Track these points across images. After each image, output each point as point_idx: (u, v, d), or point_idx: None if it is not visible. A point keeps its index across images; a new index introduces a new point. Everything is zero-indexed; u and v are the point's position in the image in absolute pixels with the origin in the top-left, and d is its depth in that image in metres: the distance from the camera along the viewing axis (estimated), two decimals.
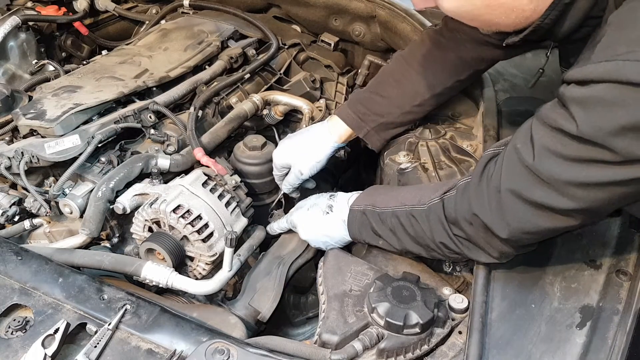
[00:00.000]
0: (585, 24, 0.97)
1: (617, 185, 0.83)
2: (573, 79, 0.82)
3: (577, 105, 0.80)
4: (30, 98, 1.58)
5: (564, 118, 0.83)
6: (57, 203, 1.33)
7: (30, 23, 2.00)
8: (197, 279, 1.29)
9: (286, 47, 2.03)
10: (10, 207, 1.35)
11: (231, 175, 1.39)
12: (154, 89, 1.67)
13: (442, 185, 1.11)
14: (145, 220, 1.27)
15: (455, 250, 1.07)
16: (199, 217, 1.24)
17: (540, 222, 0.93)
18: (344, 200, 1.27)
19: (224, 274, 1.23)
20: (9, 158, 1.34)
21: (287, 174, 1.47)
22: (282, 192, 1.54)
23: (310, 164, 1.44)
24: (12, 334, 1.00)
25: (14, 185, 1.44)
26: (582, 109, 0.80)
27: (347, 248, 1.31)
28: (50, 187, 1.36)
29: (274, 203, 1.56)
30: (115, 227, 1.37)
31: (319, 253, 1.36)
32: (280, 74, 1.93)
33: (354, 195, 1.28)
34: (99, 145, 1.40)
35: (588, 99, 0.79)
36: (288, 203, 1.60)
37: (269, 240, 1.47)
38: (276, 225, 1.42)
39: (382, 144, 1.49)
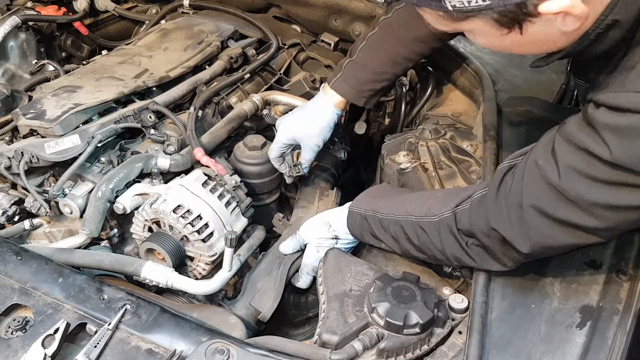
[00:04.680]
0: (617, 45, 0.94)
1: None
2: (606, 103, 0.81)
3: (610, 132, 0.80)
4: (30, 98, 1.58)
5: (593, 141, 0.82)
6: (57, 203, 1.33)
7: (30, 23, 2.00)
8: (197, 279, 1.29)
9: (286, 47, 2.03)
10: (10, 207, 1.35)
11: (231, 175, 1.39)
12: (154, 89, 1.67)
13: (451, 197, 1.09)
14: (145, 220, 1.27)
15: (466, 262, 1.06)
16: (199, 217, 1.24)
17: (563, 239, 0.92)
18: (345, 231, 1.27)
19: (224, 274, 1.23)
20: (9, 158, 1.34)
21: (285, 152, 1.49)
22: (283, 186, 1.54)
23: (323, 134, 1.48)
24: (12, 334, 1.00)
25: (14, 185, 1.44)
26: (616, 137, 0.80)
27: None
28: (50, 187, 1.35)
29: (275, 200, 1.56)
30: (115, 227, 1.37)
31: None
32: (280, 74, 1.93)
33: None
34: (99, 145, 1.40)
35: (625, 128, 0.79)
36: (288, 203, 1.60)
37: (269, 240, 1.47)
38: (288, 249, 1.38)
39: (377, 101, 1.58)
